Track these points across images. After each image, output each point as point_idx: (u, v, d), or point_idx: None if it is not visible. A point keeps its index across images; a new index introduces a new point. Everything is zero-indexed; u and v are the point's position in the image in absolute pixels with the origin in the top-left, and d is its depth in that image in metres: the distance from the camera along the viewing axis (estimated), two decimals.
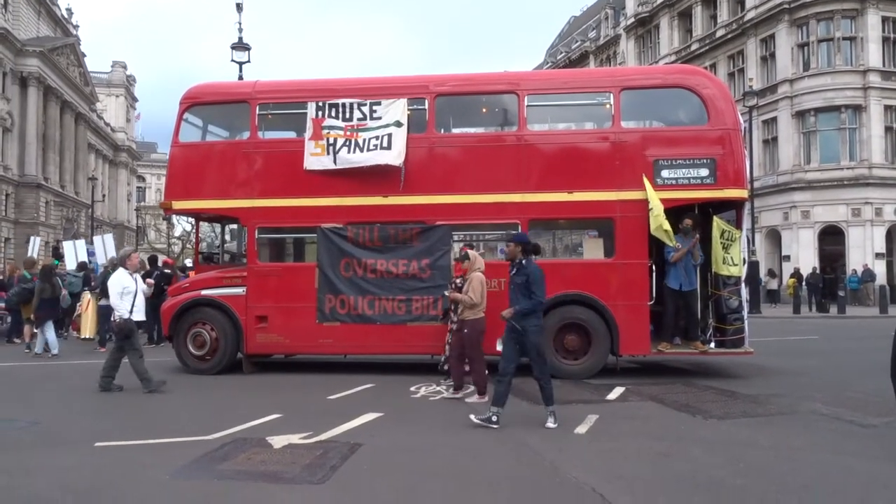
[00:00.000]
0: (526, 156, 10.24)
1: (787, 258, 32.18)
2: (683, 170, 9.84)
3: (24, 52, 51.45)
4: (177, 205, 11.03)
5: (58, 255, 22.78)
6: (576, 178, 10.07)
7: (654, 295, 9.90)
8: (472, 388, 8.52)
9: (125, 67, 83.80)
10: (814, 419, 7.16)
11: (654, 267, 9.95)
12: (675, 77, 11.10)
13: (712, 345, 10.03)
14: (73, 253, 20.16)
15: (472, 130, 12.20)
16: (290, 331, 10.31)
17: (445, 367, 9.26)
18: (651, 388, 8.94)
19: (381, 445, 6.13)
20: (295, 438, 6.24)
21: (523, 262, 6.97)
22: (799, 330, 18.94)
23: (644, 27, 44.67)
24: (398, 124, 10.26)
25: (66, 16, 64.66)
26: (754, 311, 25.52)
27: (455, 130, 11.66)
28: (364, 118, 10.41)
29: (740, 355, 10.11)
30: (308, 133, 10.51)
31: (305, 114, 10.56)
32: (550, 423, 6.73)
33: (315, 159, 10.45)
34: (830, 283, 28.82)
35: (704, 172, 9.81)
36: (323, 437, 6.34)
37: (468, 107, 11.45)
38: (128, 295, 8.88)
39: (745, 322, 9.98)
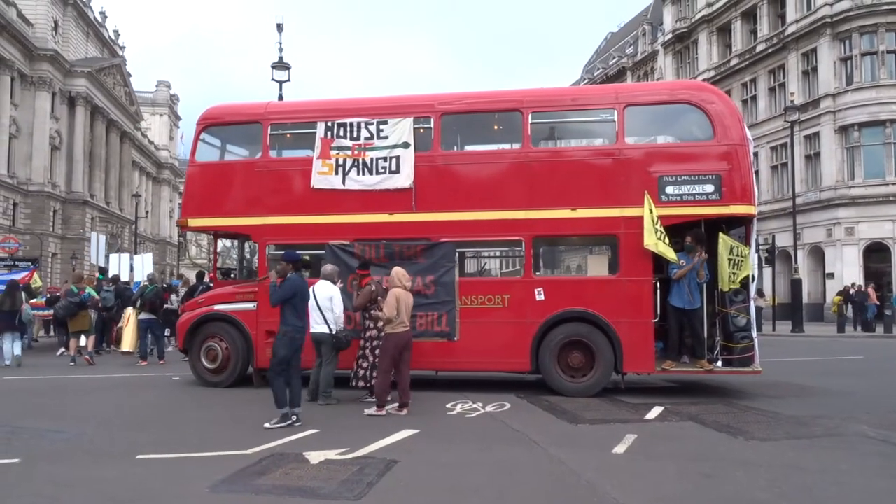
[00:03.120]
0: (530, 173, 10.26)
1: (831, 276, 31.45)
2: (688, 186, 9.71)
3: (72, 73, 53.11)
4: (192, 222, 11.41)
5: (102, 269, 23.37)
6: (580, 194, 10.05)
7: (658, 312, 9.81)
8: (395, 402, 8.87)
9: (169, 87, 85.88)
10: (861, 441, 6.96)
11: (658, 284, 9.86)
12: (681, 93, 10.92)
13: (719, 363, 9.86)
14: (118, 266, 20.68)
15: (477, 148, 12.25)
16: None
17: (355, 385, 9.50)
18: (690, 408, 8.79)
19: (417, 462, 6.13)
20: (332, 454, 6.27)
21: (289, 276, 8.02)
22: (844, 349, 18.47)
23: (682, 43, 44.33)
24: (405, 145, 10.44)
25: (112, 37, 66.60)
26: (797, 329, 25.04)
27: (461, 148, 11.74)
28: (371, 137, 10.60)
29: (748, 374, 9.94)
30: (316, 152, 10.74)
31: (315, 133, 10.79)
32: (267, 423, 7.55)
33: (322, 178, 10.66)
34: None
35: (710, 188, 9.65)
36: (359, 453, 6.36)
37: (473, 125, 11.55)
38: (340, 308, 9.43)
39: (755, 341, 9.79)
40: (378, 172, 10.51)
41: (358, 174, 10.58)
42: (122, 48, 68.91)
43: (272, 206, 10.84)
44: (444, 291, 10.16)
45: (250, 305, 10.73)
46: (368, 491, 5.19)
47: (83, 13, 58.15)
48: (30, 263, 26.54)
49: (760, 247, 27.31)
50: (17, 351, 14.26)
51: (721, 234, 9.67)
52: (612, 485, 5.37)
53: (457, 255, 10.38)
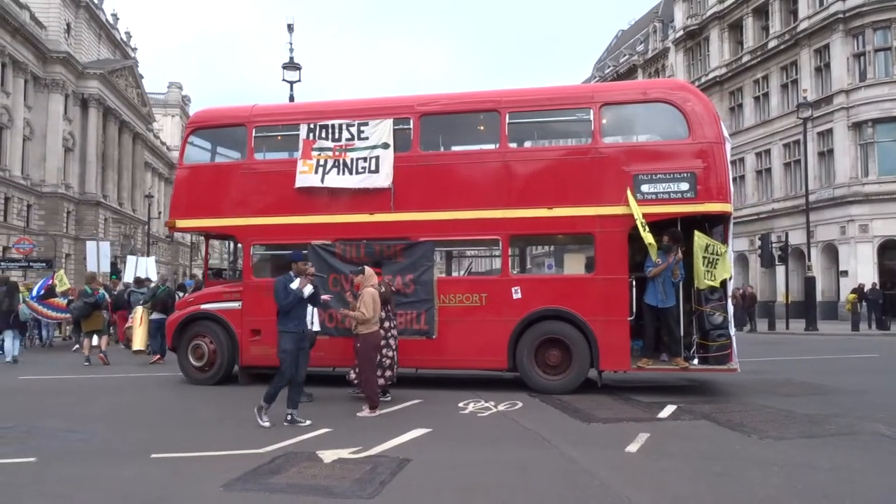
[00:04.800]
0: (507, 172, 10.34)
1: (845, 273, 31.19)
2: (663, 184, 9.72)
3: (85, 75, 53.48)
4: (180, 223, 11.67)
5: (115, 269, 23.55)
6: (556, 193, 10.11)
7: (633, 310, 9.83)
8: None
9: (181, 88, 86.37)
10: (875, 440, 6.92)
11: (635, 283, 9.87)
12: (656, 92, 10.87)
13: (695, 361, 9.86)
14: (133, 268, 20.86)
15: (457, 148, 12.32)
16: None
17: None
18: (704, 407, 8.76)
19: (429, 461, 6.14)
20: (344, 453, 6.30)
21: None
22: (858, 347, 18.33)
23: (693, 40, 44.08)
24: (385, 146, 10.56)
25: (124, 39, 66.98)
26: (810, 327, 24.86)
27: (440, 149, 11.79)
28: (352, 138, 10.74)
29: (724, 372, 9.96)
30: (299, 153, 10.90)
31: (298, 135, 10.93)
32: (300, 421, 7.77)
33: (304, 177, 10.83)
34: (891, 299, 27.83)
35: (684, 186, 9.66)
36: (372, 451, 6.38)
37: (453, 125, 11.62)
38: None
39: (733, 339, 9.78)
40: (357, 172, 10.65)
41: (338, 174, 10.70)
42: (134, 50, 69.31)
43: (257, 207, 11.03)
44: (423, 290, 10.25)
45: (236, 304, 10.93)
46: (381, 490, 5.21)
47: (95, 15, 58.51)
48: (44, 264, 26.75)
49: (773, 244, 27.22)
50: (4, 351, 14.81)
51: (697, 232, 9.63)
52: (625, 484, 5.37)
53: (435, 254, 10.49)
